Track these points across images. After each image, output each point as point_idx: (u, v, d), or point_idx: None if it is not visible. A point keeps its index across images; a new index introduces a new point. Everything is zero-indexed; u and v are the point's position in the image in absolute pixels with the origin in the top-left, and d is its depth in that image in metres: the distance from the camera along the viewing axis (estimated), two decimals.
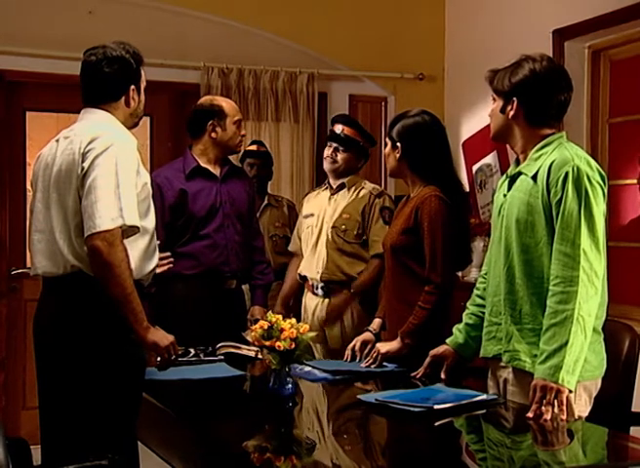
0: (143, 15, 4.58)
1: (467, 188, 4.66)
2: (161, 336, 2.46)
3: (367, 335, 3.03)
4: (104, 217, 2.32)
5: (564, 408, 2.19)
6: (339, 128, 3.83)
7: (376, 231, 3.74)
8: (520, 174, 2.42)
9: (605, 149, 4.15)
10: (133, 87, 2.57)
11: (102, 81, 2.53)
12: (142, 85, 2.62)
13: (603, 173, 2.35)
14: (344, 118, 4.01)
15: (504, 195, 2.47)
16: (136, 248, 2.47)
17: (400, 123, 2.99)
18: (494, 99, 2.48)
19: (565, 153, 2.32)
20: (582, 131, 4.16)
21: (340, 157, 3.80)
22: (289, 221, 4.39)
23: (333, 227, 3.80)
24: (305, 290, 3.94)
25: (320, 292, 3.83)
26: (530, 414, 2.18)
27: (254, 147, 4.50)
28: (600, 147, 4.16)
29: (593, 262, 2.25)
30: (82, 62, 2.57)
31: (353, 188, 3.84)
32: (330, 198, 3.90)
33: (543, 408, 2.18)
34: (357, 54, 5.01)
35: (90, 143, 2.41)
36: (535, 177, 2.35)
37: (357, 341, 3.01)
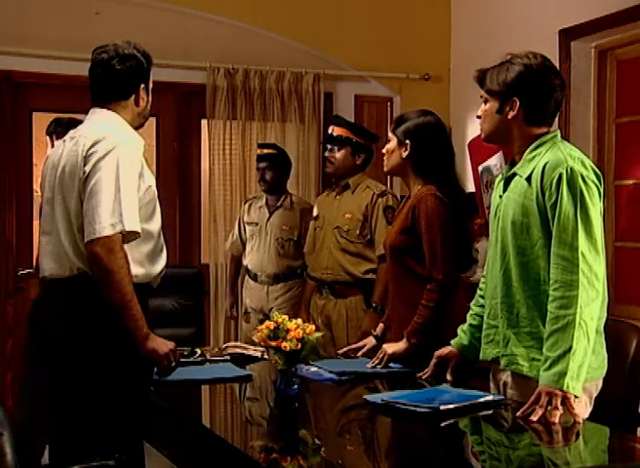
0: (150, 15, 4.58)
1: (473, 188, 4.65)
2: (160, 343, 2.44)
3: (368, 339, 3.05)
4: (104, 223, 2.32)
5: (574, 411, 2.18)
6: (330, 129, 3.96)
7: (380, 231, 3.73)
8: (515, 175, 2.38)
9: (612, 149, 4.14)
10: (143, 86, 2.56)
11: (114, 78, 2.51)
12: (150, 85, 2.62)
13: (598, 172, 2.31)
14: (335, 119, 4.13)
15: (500, 196, 2.43)
16: (139, 251, 2.46)
17: (411, 121, 2.94)
18: (485, 100, 2.43)
19: (558, 154, 2.28)
20: (589, 131, 4.15)
21: (335, 156, 3.87)
22: (300, 224, 4.31)
23: (336, 227, 3.82)
24: (315, 290, 3.95)
25: (326, 292, 3.83)
26: (534, 418, 2.16)
27: (259, 151, 4.49)
28: (607, 147, 4.15)
29: (592, 265, 2.21)
30: (92, 60, 2.54)
31: (357, 188, 3.87)
32: (335, 198, 3.93)
33: (550, 411, 2.16)
34: (363, 54, 5.01)
35: (93, 146, 2.39)
36: (529, 179, 2.31)
37: (358, 343, 3.04)
